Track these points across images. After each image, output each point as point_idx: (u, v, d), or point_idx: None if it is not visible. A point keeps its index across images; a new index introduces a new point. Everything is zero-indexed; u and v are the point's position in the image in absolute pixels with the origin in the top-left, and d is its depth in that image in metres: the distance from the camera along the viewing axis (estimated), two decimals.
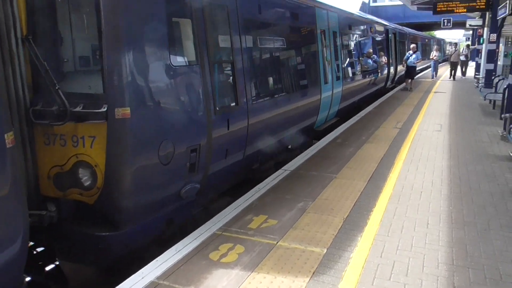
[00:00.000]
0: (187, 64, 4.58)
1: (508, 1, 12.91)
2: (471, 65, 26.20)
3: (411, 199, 5.27)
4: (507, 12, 13.18)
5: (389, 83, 18.14)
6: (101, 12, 3.67)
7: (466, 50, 22.82)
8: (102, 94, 3.81)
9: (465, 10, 15.50)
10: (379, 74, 15.59)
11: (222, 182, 5.78)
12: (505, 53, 19.21)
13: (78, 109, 3.79)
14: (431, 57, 23.50)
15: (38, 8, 3.90)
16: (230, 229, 4.47)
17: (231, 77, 5.48)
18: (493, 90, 13.10)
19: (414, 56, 16.89)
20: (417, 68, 18.70)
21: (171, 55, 4.29)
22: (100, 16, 3.69)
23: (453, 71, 21.80)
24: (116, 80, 3.76)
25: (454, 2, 15.68)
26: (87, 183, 3.97)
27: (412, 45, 18.00)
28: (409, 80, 17.42)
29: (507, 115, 8.22)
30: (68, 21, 4.13)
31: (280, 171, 6.53)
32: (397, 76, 19.08)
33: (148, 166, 4.11)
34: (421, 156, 7.21)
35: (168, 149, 4.25)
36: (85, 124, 3.81)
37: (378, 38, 15.89)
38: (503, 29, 16.92)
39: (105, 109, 3.74)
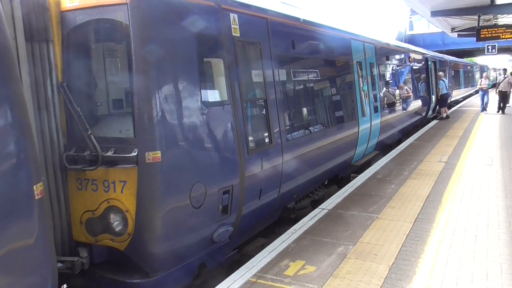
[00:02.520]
0: (219, 104, 4.50)
1: None
2: None
3: (465, 245, 4.77)
4: None
5: (430, 113, 17.47)
6: (132, 57, 3.69)
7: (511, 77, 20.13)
8: (133, 138, 3.77)
9: None
10: (419, 104, 15.04)
11: (256, 223, 5.55)
12: None
13: (109, 153, 3.77)
14: (479, 85, 19.81)
15: (73, 54, 3.99)
16: (265, 276, 4.21)
17: (264, 115, 5.35)
18: None
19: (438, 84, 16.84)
20: (448, 97, 18.49)
21: (202, 96, 4.23)
22: (131, 61, 3.70)
23: (502, 103, 18.21)
24: (147, 124, 3.71)
25: (499, 28, 14.91)
26: (118, 229, 3.89)
27: (440, 73, 17.64)
28: (442, 109, 17.39)
29: None
30: (102, 66, 4.20)
31: (317, 210, 6.21)
32: (438, 106, 18.37)
33: (180, 211, 3.98)
34: (472, 194, 6.64)
35: (200, 192, 4.12)
36: (116, 169, 3.77)
37: (418, 67, 15.45)
38: None
39: (135, 154, 3.69)
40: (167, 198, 3.86)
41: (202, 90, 4.26)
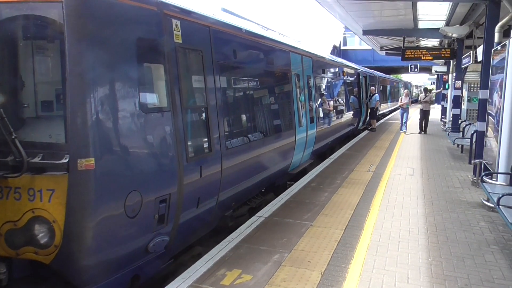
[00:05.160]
0: (158, 110, 4.39)
1: (471, 52, 13.65)
2: (436, 107, 27.03)
3: (389, 250, 5.12)
4: (470, 61, 13.92)
5: (360, 124, 18.56)
6: (66, 57, 3.47)
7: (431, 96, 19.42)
8: (64, 143, 3.54)
9: (431, 58, 16.35)
10: (351, 116, 15.93)
11: (193, 232, 5.47)
12: (469, 98, 20.04)
13: (36, 159, 3.49)
14: (400, 103, 19.07)
15: None
16: (201, 286, 4.18)
17: (204, 123, 5.32)
18: (461, 134, 13.54)
19: (372, 98, 18.30)
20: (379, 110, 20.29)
21: (140, 101, 4.10)
22: (65, 62, 3.48)
23: (423, 122, 17.62)
24: (80, 129, 3.50)
25: (421, 50, 16.58)
26: (43, 241, 3.61)
27: (371, 88, 19.09)
28: (373, 120, 18.77)
29: (477, 161, 8.38)
30: (31, 64, 3.90)
31: (254, 218, 6.29)
32: (368, 118, 19.59)
33: (113, 221, 3.79)
34: (396, 202, 7.16)
35: (136, 201, 3.97)
36: (44, 176, 3.51)
37: (350, 81, 16.38)
38: (465, 75, 17.84)
39: (66, 160, 3.46)
40: (100, 208, 3.66)
41: (140, 95, 4.12)
